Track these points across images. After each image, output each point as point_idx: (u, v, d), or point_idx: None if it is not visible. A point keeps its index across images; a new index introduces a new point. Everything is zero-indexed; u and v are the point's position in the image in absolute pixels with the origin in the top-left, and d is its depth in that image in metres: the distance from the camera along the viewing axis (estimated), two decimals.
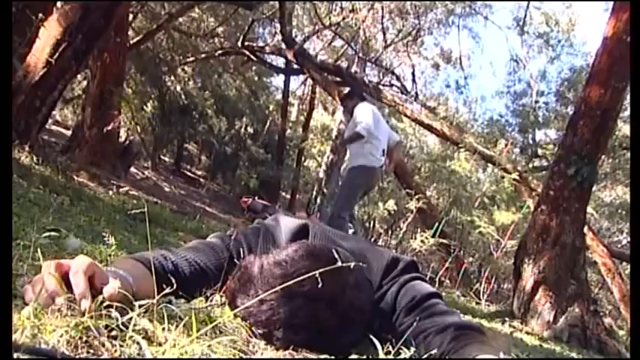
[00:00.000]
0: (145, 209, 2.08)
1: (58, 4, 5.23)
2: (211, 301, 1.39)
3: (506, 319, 4.99)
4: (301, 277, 1.18)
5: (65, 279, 1.02)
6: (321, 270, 1.16)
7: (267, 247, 1.57)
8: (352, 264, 1.22)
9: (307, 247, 1.33)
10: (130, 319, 1.00)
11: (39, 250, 1.31)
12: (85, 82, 12.41)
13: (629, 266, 10.17)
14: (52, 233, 1.60)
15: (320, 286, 1.16)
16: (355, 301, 1.32)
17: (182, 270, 1.41)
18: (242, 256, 1.50)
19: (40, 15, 4.61)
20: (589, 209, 6.37)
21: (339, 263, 1.19)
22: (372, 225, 15.77)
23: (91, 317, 0.95)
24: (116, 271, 1.16)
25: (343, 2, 13.30)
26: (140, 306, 1.05)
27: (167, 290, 1.17)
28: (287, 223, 1.72)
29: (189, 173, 17.06)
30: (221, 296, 1.42)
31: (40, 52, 4.61)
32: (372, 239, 13.85)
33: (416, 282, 1.57)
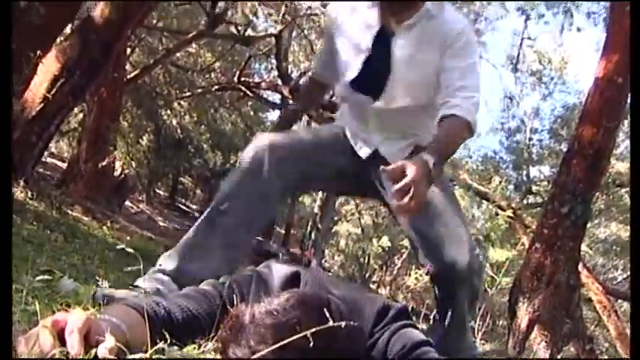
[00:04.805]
0: (139, 247, 2.08)
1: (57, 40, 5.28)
2: (204, 348, 1.39)
3: (502, 357, 4.95)
4: (293, 331, 1.18)
5: (60, 335, 1.02)
6: (312, 323, 1.16)
7: (259, 295, 1.57)
8: (343, 308, 1.22)
9: (298, 296, 1.33)
10: None
11: (34, 293, 1.31)
12: (80, 115, 12.46)
13: (624, 303, 10.15)
14: (46, 277, 1.59)
15: (311, 338, 1.16)
16: (347, 352, 1.31)
17: (175, 317, 1.40)
18: (235, 303, 1.50)
19: (38, 52, 4.64)
20: (583, 246, 6.38)
21: (331, 312, 1.19)
22: (366, 261, 15.72)
23: None
24: (110, 319, 1.16)
25: None
26: None
27: (160, 344, 1.17)
28: (279, 271, 1.73)
29: (183, 207, 17.03)
30: (214, 344, 1.41)
31: (37, 88, 4.63)
32: (367, 275, 13.79)
33: (407, 329, 1.56)
